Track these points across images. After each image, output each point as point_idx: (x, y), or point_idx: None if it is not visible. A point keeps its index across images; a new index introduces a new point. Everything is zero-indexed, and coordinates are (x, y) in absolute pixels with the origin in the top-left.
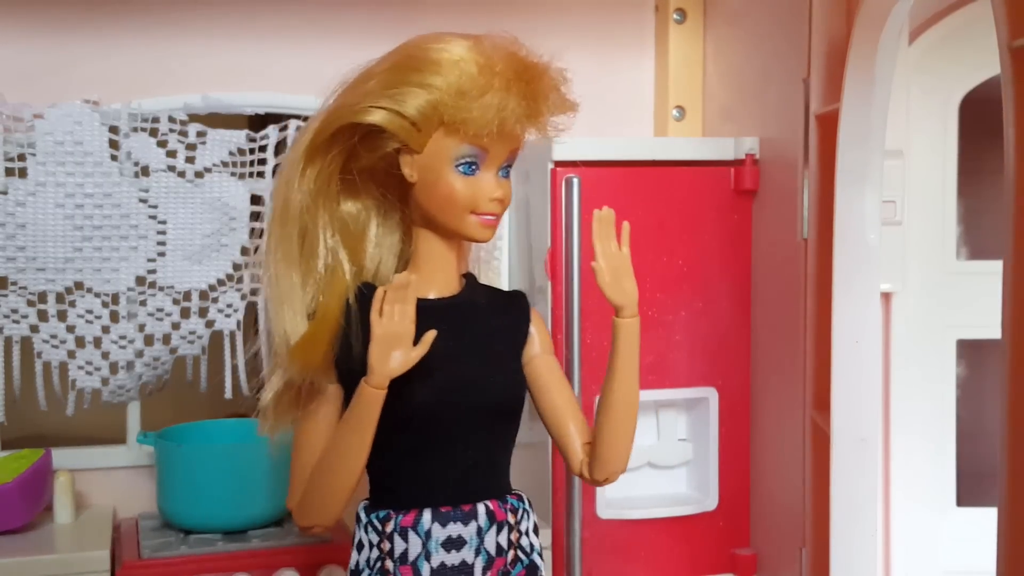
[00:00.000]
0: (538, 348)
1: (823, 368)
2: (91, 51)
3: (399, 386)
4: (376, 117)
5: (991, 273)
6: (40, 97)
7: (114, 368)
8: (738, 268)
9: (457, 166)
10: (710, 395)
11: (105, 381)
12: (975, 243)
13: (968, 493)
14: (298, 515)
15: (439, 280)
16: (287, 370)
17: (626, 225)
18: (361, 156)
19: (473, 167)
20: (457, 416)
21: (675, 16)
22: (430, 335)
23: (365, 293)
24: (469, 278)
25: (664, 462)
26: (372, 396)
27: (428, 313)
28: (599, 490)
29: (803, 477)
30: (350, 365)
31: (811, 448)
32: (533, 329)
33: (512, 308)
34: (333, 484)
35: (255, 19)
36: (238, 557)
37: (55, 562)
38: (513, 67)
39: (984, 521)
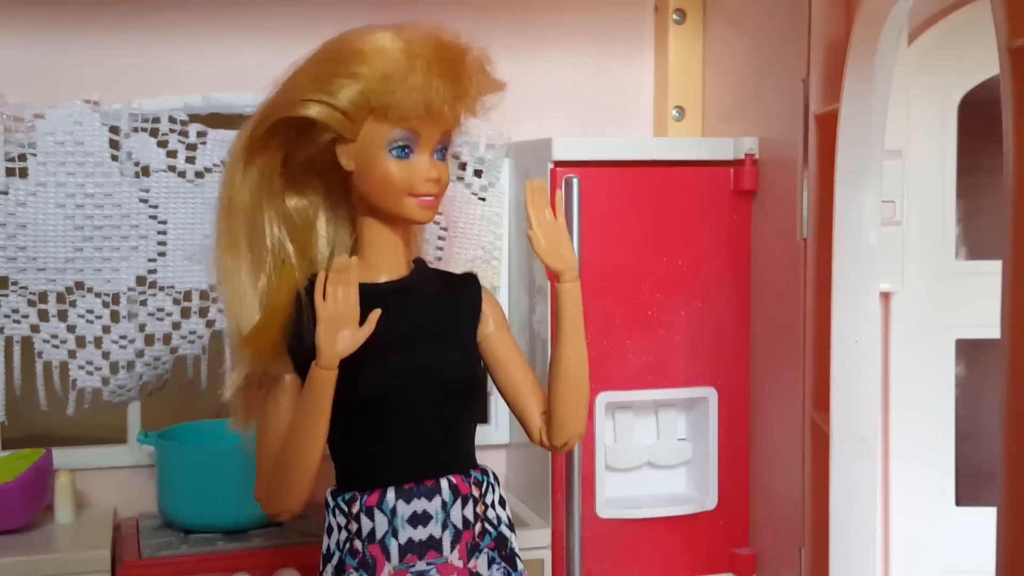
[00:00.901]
0: (492, 326)
1: (822, 368)
2: (92, 51)
3: (354, 369)
4: (308, 110)
5: (990, 273)
6: (41, 97)
7: (115, 368)
8: (737, 268)
9: (391, 150)
10: (709, 395)
11: (106, 381)
12: (974, 243)
13: (967, 492)
14: (266, 504)
15: (387, 265)
16: (241, 362)
17: (559, 194)
18: (299, 150)
19: (407, 150)
20: (413, 395)
21: (674, 16)
22: (375, 314)
23: (315, 284)
24: (419, 263)
25: (663, 462)
26: (324, 378)
27: (379, 296)
28: (599, 490)
29: (802, 476)
30: (304, 355)
31: (810, 448)
32: (486, 307)
33: (463, 289)
34: (295, 468)
35: (256, 19)
36: (238, 557)
37: (55, 562)
38: (434, 49)
39: (983, 520)
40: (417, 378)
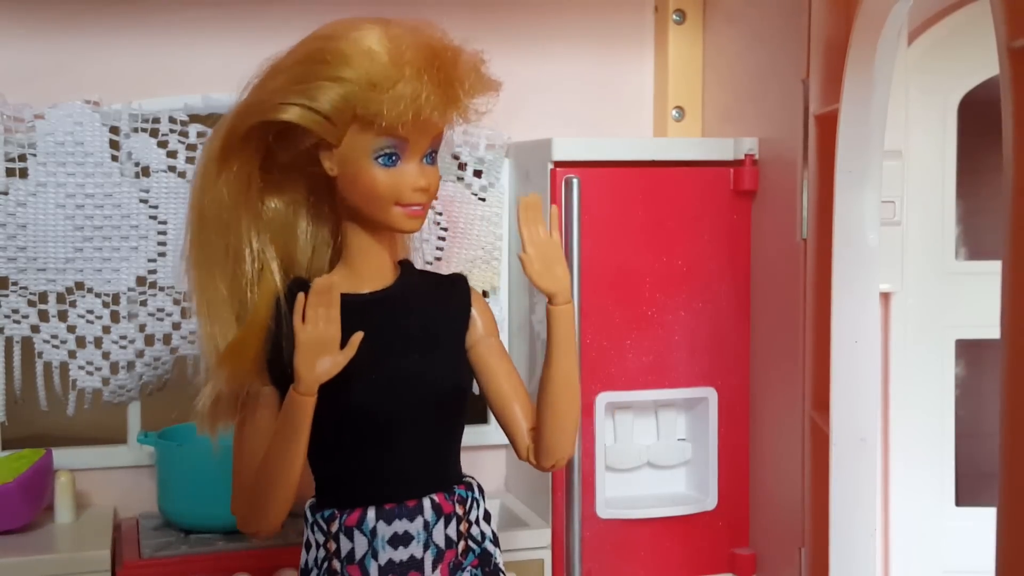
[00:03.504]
0: (481, 331)
1: (822, 368)
2: (92, 52)
3: (336, 386)
4: (289, 114)
5: (990, 273)
6: (41, 98)
7: (115, 368)
8: (737, 268)
9: (376, 158)
10: (709, 395)
11: (106, 381)
12: (974, 243)
13: (967, 493)
14: (242, 522)
15: (372, 273)
16: (217, 378)
17: (553, 209)
18: (279, 153)
19: (394, 158)
20: (397, 412)
21: (674, 17)
22: (356, 337)
23: (295, 291)
24: (405, 265)
25: (663, 462)
26: (302, 403)
27: (362, 308)
28: (599, 490)
29: (802, 477)
30: (283, 367)
31: (810, 448)
32: (475, 312)
33: (452, 292)
34: (272, 492)
35: (256, 20)
36: (238, 557)
37: (56, 562)
38: (424, 55)
39: (983, 520)
40: (401, 393)
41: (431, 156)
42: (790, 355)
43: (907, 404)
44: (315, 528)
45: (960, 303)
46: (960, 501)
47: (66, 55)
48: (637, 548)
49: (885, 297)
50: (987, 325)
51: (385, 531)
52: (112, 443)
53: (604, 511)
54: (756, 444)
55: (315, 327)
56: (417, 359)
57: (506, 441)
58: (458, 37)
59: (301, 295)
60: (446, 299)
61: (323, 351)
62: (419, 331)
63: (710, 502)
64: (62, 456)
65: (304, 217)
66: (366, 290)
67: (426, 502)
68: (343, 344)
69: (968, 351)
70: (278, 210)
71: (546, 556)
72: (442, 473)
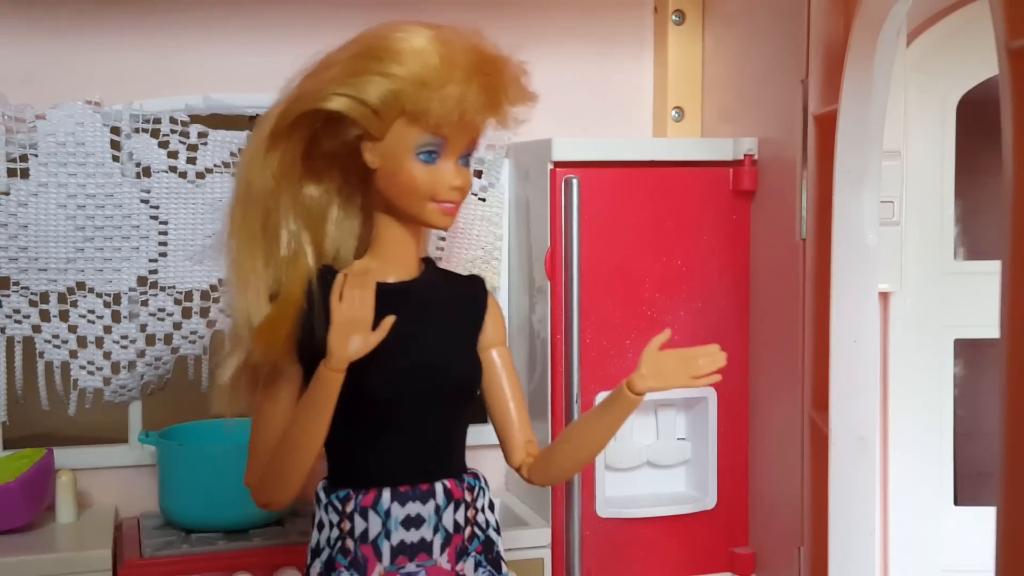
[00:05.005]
0: (490, 338)
1: (821, 368)
2: (93, 52)
3: (359, 369)
4: (338, 104)
5: (989, 273)
6: (42, 98)
7: (116, 368)
8: (737, 268)
9: (418, 154)
10: (709, 394)
11: (107, 381)
12: (973, 243)
13: (966, 492)
14: (256, 493)
15: (399, 264)
16: (250, 352)
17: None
18: (323, 142)
19: (434, 155)
20: (416, 398)
21: (674, 17)
22: (388, 320)
23: (327, 276)
24: (428, 263)
25: (663, 461)
26: (331, 379)
27: (388, 297)
28: (599, 489)
29: (801, 476)
30: (312, 347)
31: (809, 447)
32: (488, 318)
33: (470, 294)
34: (291, 464)
35: (257, 20)
36: (240, 556)
37: (57, 561)
38: (474, 59)
39: (982, 520)
40: (421, 381)
41: (467, 158)
42: (789, 355)
43: (906, 404)
44: (329, 508)
45: (959, 303)
46: (959, 500)
47: (67, 55)
48: (637, 547)
49: (884, 297)
50: (986, 325)
51: (399, 512)
52: (113, 443)
53: (604, 510)
54: (755, 443)
55: (351, 306)
56: (437, 350)
57: None
58: (506, 45)
59: (341, 275)
60: (465, 298)
61: (356, 330)
62: (439, 324)
63: (709, 501)
64: (63, 456)
65: (336, 207)
66: (392, 280)
67: (438, 486)
68: (374, 327)
69: (967, 351)
70: (314, 197)
71: (546, 555)
72: (452, 461)
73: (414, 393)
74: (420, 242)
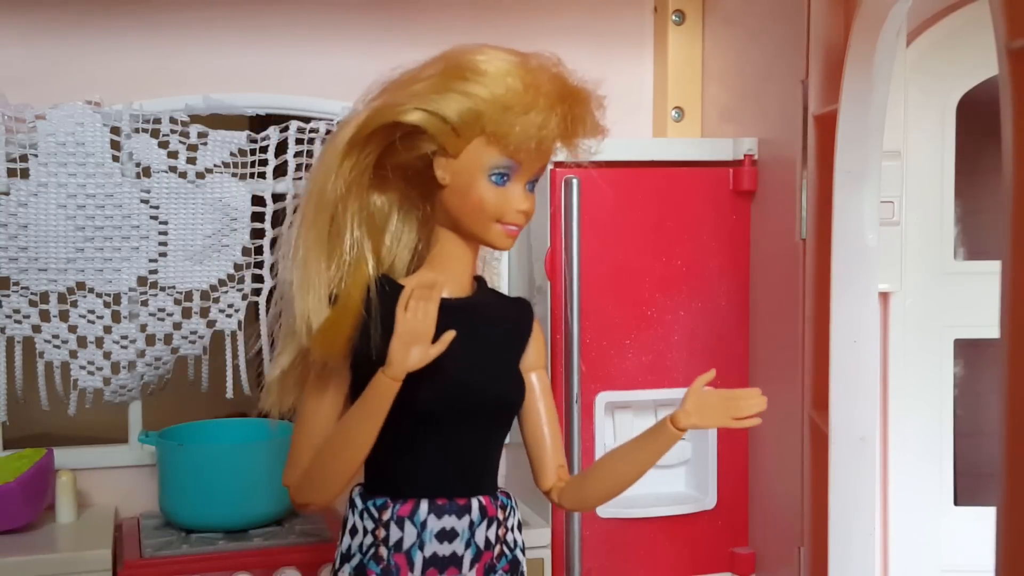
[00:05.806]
0: (531, 362)
1: (821, 368)
2: (93, 52)
3: (411, 380)
4: (418, 118)
5: (988, 273)
6: (42, 98)
7: (116, 368)
8: (737, 268)
9: (490, 176)
10: None
11: (107, 381)
12: (972, 243)
13: (966, 492)
14: (296, 492)
15: (455, 281)
16: (302, 351)
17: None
18: (398, 153)
19: (505, 178)
20: (459, 414)
21: (674, 17)
22: (449, 335)
23: (385, 286)
24: (480, 281)
25: (663, 461)
26: (387, 387)
27: (445, 312)
28: None
29: (801, 476)
30: (367, 354)
31: (809, 447)
32: (532, 342)
33: (518, 316)
34: (336, 467)
35: (256, 20)
36: (239, 556)
37: (57, 561)
38: (558, 89)
39: (982, 520)
40: (468, 398)
41: (533, 184)
42: (789, 355)
43: (906, 403)
44: (364, 515)
45: (959, 303)
46: (959, 500)
47: (67, 56)
48: (637, 547)
49: (884, 297)
50: (986, 325)
51: (434, 525)
52: (113, 443)
53: (604, 510)
54: (755, 444)
55: (415, 318)
56: (483, 369)
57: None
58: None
59: (409, 286)
60: (512, 320)
61: (417, 341)
62: (487, 344)
63: (709, 501)
64: (63, 456)
65: (396, 218)
66: (446, 295)
67: (474, 502)
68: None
69: (967, 351)
70: (378, 207)
71: (546, 555)
72: (489, 478)
73: (457, 409)
74: (475, 261)
